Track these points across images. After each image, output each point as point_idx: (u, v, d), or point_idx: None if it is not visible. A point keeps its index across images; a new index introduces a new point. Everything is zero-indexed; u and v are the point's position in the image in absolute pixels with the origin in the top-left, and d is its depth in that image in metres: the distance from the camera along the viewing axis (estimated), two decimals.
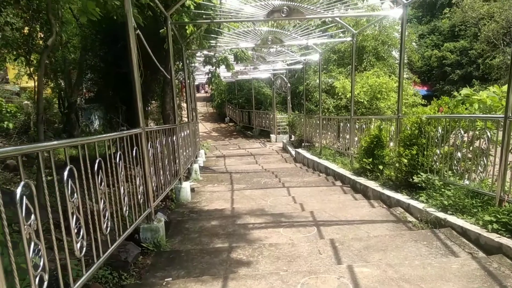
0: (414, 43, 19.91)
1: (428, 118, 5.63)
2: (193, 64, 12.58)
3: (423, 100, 11.25)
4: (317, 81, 18.87)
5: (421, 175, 5.41)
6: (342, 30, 11.40)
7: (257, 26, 8.81)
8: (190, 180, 8.33)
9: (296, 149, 13.26)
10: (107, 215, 2.96)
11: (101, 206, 2.86)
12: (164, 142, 5.44)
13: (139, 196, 3.92)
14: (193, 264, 3.79)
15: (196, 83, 22.87)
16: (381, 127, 7.17)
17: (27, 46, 14.07)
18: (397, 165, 5.99)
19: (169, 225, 4.89)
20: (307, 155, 11.53)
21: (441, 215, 4.52)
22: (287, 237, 4.57)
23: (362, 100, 10.12)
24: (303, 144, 13.79)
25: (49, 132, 15.88)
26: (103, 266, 3.48)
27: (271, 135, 19.37)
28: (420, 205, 4.99)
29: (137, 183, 3.88)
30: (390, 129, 7.17)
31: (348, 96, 10.76)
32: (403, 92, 10.95)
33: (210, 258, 3.90)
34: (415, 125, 5.72)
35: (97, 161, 2.79)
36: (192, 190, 7.57)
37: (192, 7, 6.65)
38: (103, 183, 2.88)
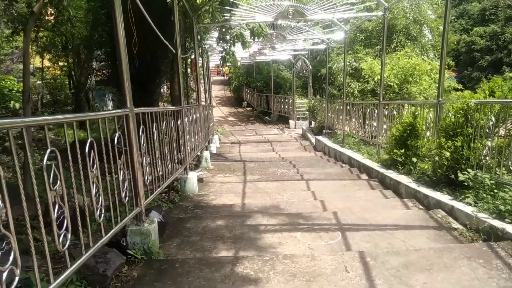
0: (441, 27, 18.37)
1: (478, 104, 4.70)
2: (207, 43, 11.76)
3: (459, 85, 10.17)
4: (341, 64, 17.87)
5: (468, 172, 4.51)
6: (371, 3, 10.28)
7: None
8: (199, 169, 7.59)
9: (316, 137, 12.38)
10: (65, 223, 2.20)
11: (54, 213, 2.09)
12: (164, 127, 4.66)
13: (123, 194, 3.16)
14: (188, 279, 3.03)
15: (212, 64, 22.07)
16: (416, 113, 6.24)
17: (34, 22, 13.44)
18: (436, 158, 5.10)
19: (166, 225, 4.13)
20: (328, 143, 10.65)
21: (497, 223, 3.65)
22: (305, 245, 3.78)
23: (391, 84, 9.13)
24: (324, 131, 12.89)
25: (58, 113, 15.40)
26: (76, 281, 2.78)
27: (290, 121, 18.48)
28: (468, 209, 4.11)
29: (120, 178, 3.11)
30: (426, 116, 6.23)
31: (376, 79, 9.79)
32: (435, 76, 9.94)
33: (210, 271, 3.14)
34: (461, 111, 4.80)
35: (47, 151, 2.02)
36: (201, 180, 6.82)
37: None
38: (58, 182, 2.12)
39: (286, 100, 19.60)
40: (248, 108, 26.91)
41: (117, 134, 3.05)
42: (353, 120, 10.25)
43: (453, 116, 4.87)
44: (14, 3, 8.97)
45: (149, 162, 3.95)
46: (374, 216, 4.47)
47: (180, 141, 5.79)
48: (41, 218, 1.97)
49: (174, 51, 5.85)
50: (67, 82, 16.12)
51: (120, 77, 3.24)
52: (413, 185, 5.32)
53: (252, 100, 26.32)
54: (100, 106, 18.37)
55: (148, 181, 3.86)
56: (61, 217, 2.22)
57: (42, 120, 2.09)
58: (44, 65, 16.06)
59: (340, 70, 17.59)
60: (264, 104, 23.32)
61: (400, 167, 6.28)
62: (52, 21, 13.58)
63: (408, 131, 6.17)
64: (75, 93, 14.08)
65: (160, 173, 4.43)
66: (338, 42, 13.27)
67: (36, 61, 17.45)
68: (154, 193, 3.96)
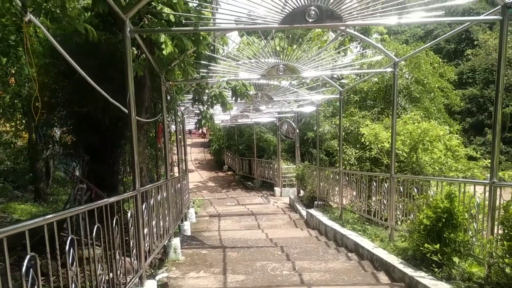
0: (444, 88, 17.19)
1: None
2: (184, 104, 10.33)
3: (476, 153, 8.82)
4: (327, 127, 16.67)
5: None
6: (376, 57, 9.16)
7: (263, 57, 6.60)
8: (163, 268, 5.76)
9: (308, 210, 10.70)
10: None
11: None
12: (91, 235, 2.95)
13: None
14: None
15: (191, 126, 20.73)
16: (452, 195, 4.71)
17: None
18: (507, 270, 3.48)
19: None
20: (324, 220, 8.98)
21: None
22: None
23: (399, 152, 7.74)
24: (315, 202, 11.25)
25: (9, 184, 13.44)
26: None
27: (275, 188, 16.81)
28: None
29: None
30: (471, 201, 4.68)
31: (380, 146, 8.39)
32: (448, 142, 8.60)
33: None
34: None
35: None
36: (165, 286, 5.02)
37: (166, 10, 4.38)
38: None
39: (271, 165, 18.05)
40: (229, 172, 25.24)
41: None
42: (354, 193, 8.69)
43: None
44: None
45: None
46: None
47: (132, 241, 4.07)
48: None
49: (123, 109, 4.28)
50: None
51: None
52: None
53: (233, 164, 24.73)
54: (66, 176, 16.41)
55: None
56: None
57: None
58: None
59: (326, 134, 16.40)
60: (247, 168, 21.72)
61: (435, 268, 4.62)
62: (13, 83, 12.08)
63: (443, 220, 4.61)
64: (32, 162, 12.29)
65: None
66: (329, 104, 12.20)
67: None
68: None
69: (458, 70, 40.89)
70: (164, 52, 4.93)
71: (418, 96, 12.71)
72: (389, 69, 6.77)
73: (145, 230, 4.60)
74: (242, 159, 22.40)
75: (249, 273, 5.69)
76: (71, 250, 2.57)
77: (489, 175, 4.20)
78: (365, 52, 13.29)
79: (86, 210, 2.80)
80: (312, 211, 10.41)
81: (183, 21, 4.86)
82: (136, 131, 4.45)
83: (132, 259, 4.12)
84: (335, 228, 8.00)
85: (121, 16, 3.93)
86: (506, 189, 4.17)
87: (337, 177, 9.39)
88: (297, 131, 15.13)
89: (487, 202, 4.24)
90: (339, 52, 7.09)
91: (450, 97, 17.84)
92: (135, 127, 4.25)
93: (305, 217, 10.87)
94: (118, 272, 3.67)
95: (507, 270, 3.49)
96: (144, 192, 4.62)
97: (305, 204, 12.21)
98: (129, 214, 3.96)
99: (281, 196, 16.11)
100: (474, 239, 4.57)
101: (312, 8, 3.86)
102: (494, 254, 3.74)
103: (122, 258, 3.84)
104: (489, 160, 4.54)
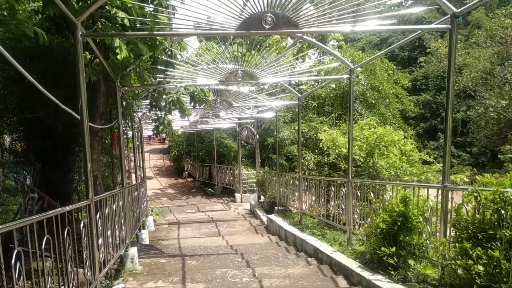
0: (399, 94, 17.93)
1: None
2: (141, 110, 10.10)
3: (430, 157, 9.17)
4: (286, 133, 16.84)
5: None
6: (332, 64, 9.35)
7: (221, 62, 6.58)
8: (120, 279, 5.57)
9: (268, 215, 10.72)
10: None
11: None
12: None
13: None
14: None
15: (150, 133, 20.34)
16: (407, 199, 4.84)
17: None
18: (459, 271, 3.60)
19: None
20: (284, 225, 9.01)
21: None
22: None
23: (356, 157, 7.93)
24: (276, 208, 11.29)
25: None
26: None
27: (235, 194, 16.74)
28: None
29: None
30: (424, 204, 4.83)
31: (337, 151, 8.56)
32: (403, 147, 8.88)
33: None
34: (491, 205, 3.41)
35: None
36: None
37: (120, 14, 4.26)
38: None
39: (231, 171, 17.98)
40: (190, 179, 24.91)
41: None
42: (313, 198, 8.79)
43: (479, 211, 3.47)
44: None
45: None
46: None
47: (85, 252, 3.90)
48: None
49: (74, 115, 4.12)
50: None
51: None
52: None
53: (193, 170, 24.43)
54: (16, 185, 15.53)
55: None
56: None
57: None
58: None
59: (286, 140, 16.57)
60: (207, 175, 21.52)
61: (391, 271, 4.72)
62: None
63: (398, 223, 4.73)
64: None
65: None
66: (288, 110, 12.37)
67: None
68: None
69: (412, 77, 42.47)
70: (118, 57, 4.79)
71: (374, 102, 13.18)
72: (345, 76, 6.93)
73: (100, 241, 4.43)
74: (202, 165, 22.18)
75: (208, 281, 5.61)
76: (18, 264, 2.42)
77: (441, 178, 4.35)
78: (323, 58, 13.61)
79: (35, 221, 2.65)
80: (272, 216, 10.43)
81: (138, 25, 4.76)
82: (89, 138, 4.29)
83: (86, 270, 3.94)
84: (295, 234, 8.04)
85: (72, 20, 3.78)
86: (458, 192, 4.33)
87: (297, 182, 9.48)
88: (257, 137, 15.17)
89: (440, 205, 4.39)
90: (297, 59, 7.17)
91: (405, 103, 18.59)
92: (88, 133, 4.09)
93: (266, 222, 10.87)
94: (71, 284, 3.51)
95: (459, 271, 3.61)
96: (98, 201, 4.45)
97: (266, 210, 12.22)
98: (81, 224, 3.80)
99: (241, 202, 16.05)
100: (428, 242, 4.72)
101: (269, 14, 3.90)
102: (447, 256, 3.87)
103: (75, 269, 3.69)
104: (442, 164, 4.71)
